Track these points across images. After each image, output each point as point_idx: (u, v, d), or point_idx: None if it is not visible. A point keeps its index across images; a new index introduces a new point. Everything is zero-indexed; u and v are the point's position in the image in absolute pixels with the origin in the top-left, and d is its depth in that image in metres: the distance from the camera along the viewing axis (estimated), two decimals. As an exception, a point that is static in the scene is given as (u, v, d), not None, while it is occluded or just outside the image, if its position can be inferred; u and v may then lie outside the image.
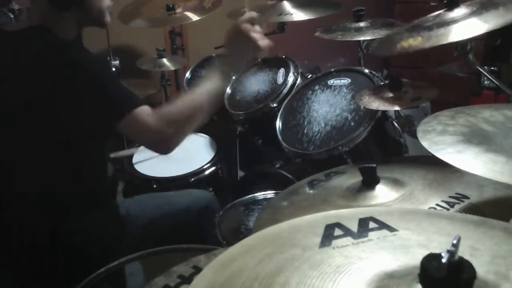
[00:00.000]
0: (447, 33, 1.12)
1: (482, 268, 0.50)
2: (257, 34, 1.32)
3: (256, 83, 2.01)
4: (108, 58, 2.37)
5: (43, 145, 1.20)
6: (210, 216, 1.46)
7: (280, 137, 1.66)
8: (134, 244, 1.22)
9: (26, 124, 1.19)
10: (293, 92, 1.81)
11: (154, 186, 1.81)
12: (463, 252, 0.49)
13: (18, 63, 1.20)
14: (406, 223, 0.64)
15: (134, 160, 1.94)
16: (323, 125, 1.60)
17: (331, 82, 1.73)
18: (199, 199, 1.55)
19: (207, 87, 1.27)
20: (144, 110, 1.20)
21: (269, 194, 1.58)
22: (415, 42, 1.17)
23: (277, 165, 1.86)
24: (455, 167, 0.73)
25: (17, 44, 1.23)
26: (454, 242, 0.47)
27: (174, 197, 1.55)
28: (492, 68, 2.91)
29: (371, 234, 0.61)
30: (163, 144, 1.24)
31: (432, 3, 2.99)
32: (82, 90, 1.16)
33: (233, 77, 2.11)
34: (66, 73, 1.15)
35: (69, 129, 1.18)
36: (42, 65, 1.16)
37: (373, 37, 1.73)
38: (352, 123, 1.54)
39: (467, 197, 0.96)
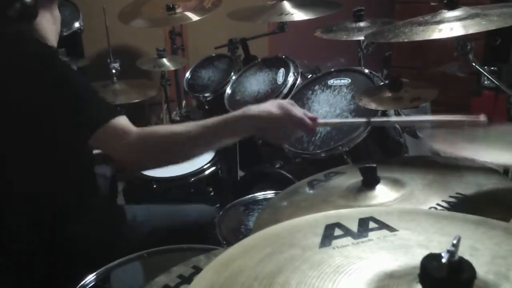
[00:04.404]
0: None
1: (482, 268, 0.50)
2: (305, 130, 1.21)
3: (256, 83, 2.01)
4: (108, 59, 2.38)
5: (36, 146, 1.20)
6: (212, 231, 1.44)
7: (285, 143, 1.66)
8: (135, 249, 1.22)
9: (19, 126, 1.18)
10: (293, 92, 1.81)
11: (154, 186, 1.81)
12: (463, 252, 0.49)
13: (4, 69, 1.20)
14: (406, 223, 0.64)
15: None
16: (323, 125, 1.60)
17: (331, 82, 1.73)
18: (205, 214, 1.54)
19: (212, 122, 1.12)
20: (119, 125, 1.09)
21: (269, 194, 1.58)
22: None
23: (277, 165, 1.86)
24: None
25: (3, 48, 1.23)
26: (454, 242, 0.47)
27: (182, 210, 1.55)
28: (492, 68, 2.91)
29: (371, 234, 0.61)
30: (131, 164, 1.14)
31: (432, 3, 2.99)
32: (56, 100, 1.12)
33: (233, 77, 2.12)
34: (44, 82, 1.13)
35: (53, 133, 1.17)
36: (24, 71, 1.15)
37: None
38: (352, 123, 1.54)
39: (468, 197, 0.96)
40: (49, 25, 1.28)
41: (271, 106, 1.15)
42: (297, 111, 1.17)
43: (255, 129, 1.16)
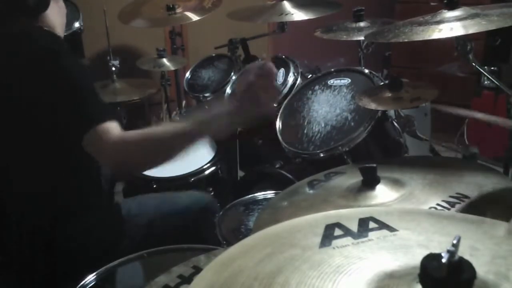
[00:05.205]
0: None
1: (482, 268, 0.50)
2: (269, 97, 1.20)
3: (256, 83, 2.01)
4: (108, 58, 2.38)
5: (38, 145, 1.20)
6: (209, 217, 1.45)
7: (280, 137, 1.66)
8: (134, 244, 1.22)
9: (21, 123, 1.19)
10: (293, 92, 1.81)
11: (154, 186, 1.81)
12: (463, 252, 0.49)
13: (10, 64, 1.20)
14: (406, 223, 0.64)
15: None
16: (323, 125, 1.60)
17: (331, 82, 1.73)
18: (199, 200, 1.55)
19: (187, 126, 1.16)
20: (109, 129, 1.11)
21: (269, 194, 1.58)
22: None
23: (277, 165, 1.86)
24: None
25: (11, 45, 1.23)
26: (454, 242, 0.47)
27: (174, 197, 1.55)
28: (492, 68, 2.91)
29: (371, 234, 0.61)
30: (116, 165, 1.17)
31: (432, 3, 2.99)
32: (58, 97, 1.14)
33: (233, 77, 2.12)
34: (48, 77, 1.15)
35: (55, 130, 1.17)
36: (32, 68, 1.16)
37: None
38: (352, 123, 1.54)
39: (468, 197, 0.96)
40: (56, 18, 1.30)
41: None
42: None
43: (231, 117, 1.17)
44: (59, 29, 1.31)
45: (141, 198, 1.53)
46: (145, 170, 1.17)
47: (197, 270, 0.94)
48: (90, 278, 1.10)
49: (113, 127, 1.12)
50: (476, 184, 1.00)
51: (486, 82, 3.00)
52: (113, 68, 2.34)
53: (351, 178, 1.12)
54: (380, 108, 1.44)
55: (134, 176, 1.85)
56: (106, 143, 1.10)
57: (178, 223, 1.42)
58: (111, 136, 1.11)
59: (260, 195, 1.59)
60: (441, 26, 1.23)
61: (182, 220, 1.44)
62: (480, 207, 0.93)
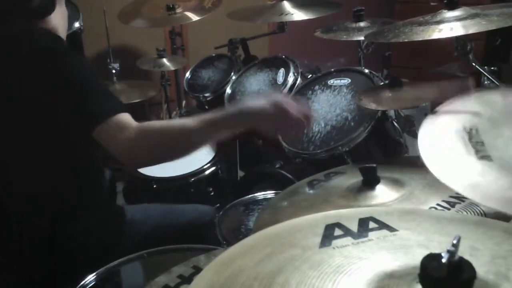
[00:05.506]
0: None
1: (482, 268, 0.50)
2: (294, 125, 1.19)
3: (256, 83, 2.01)
4: (108, 59, 2.38)
5: (38, 145, 1.20)
6: (212, 231, 1.44)
7: (280, 137, 1.66)
8: (134, 244, 1.22)
9: (21, 123, 1.19)
10: (293, 92, 1.81)
11: (154, 186, 1.81)
12: (463, 252, 0.49)
13: (11, 64, 1.20)
14: (406, 223, 0.64)
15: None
16: (323, 125, 1.60)
17: (331, 82, 1.73)
18: (204, 214, 1.55)
19: (210, 117, 1.14)
20: (122, 120, 1.10)
21: (269, 194, 1.58)
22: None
23: (277, 165, 1.86)
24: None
25: (12, 44, 1.23)
26: (454, 242, 0.47)
27: (180, 209, 1.55)
28: (492, 68, 2.91)
29: (371, 234, 0.61)
30: (131, 159, 1.14)
31: (432, 3, 2.99)
32: (62, 91, 1.14)
33: (233, 77, 2.12)
34: (51, 76, 1.14)
35: (55, 130, 1.17)
36: (33, 68, 1.16)
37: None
38: (352, 123, 1.54)
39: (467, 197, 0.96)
40: (59, 20, 1.29)
41: (267, 104, 1.15)
42: (293, 110, 1.16)
43: (250, 124, 1.18)
44: (62, 31, 1.31)
45: (147, 206, 1.53)
46: (159, 163, 1.16)
47: (197, 270, 0.94)
48: (90, 278, 1.10)
49: (126, 120, 1.11)
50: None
51: (486, 82, 3.00)
52: (113, 71, 2.34)
53: (351, 178, 1.12)
54: (380, 108, 1.44)
55: (134, 176, 1.86)
56: (121, 136, 1.08)
57: (182, 235, 1.42)
58: (126, 128, 1.09)
59: (260, 195, 1.59)
60: (441, 26, 1.23)
61: (187, 232, 1.43)
62: (480, 207, 0.93)
